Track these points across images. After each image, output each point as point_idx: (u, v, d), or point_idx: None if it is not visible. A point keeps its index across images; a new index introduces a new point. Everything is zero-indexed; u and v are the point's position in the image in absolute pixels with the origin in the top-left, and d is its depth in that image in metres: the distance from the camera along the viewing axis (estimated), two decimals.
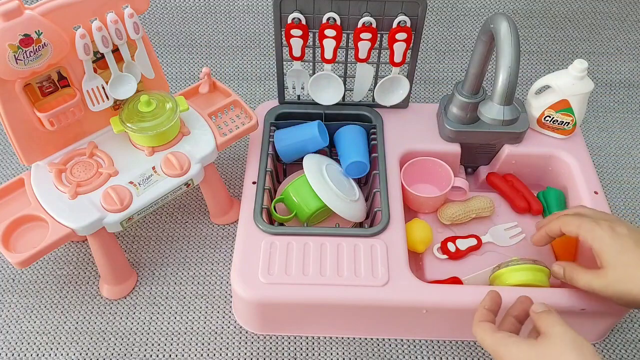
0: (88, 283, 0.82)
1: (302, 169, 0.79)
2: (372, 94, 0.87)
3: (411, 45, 0.80)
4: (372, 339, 0.76)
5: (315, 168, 0.79)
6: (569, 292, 0.68)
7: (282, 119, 0.88)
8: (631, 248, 0.60)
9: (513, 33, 0.65)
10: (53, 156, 0.75)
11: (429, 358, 0.75)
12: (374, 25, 0.76)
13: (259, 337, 0.76)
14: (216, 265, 0.84)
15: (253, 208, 0.76)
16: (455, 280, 0.76)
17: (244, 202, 0.77)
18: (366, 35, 0.77)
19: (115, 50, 0.72)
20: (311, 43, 0.80)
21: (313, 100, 0.86)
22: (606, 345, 0.77)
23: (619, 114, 1.10)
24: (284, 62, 0.84)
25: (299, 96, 0.89)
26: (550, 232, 0.69)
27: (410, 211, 0.86)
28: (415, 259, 0.82)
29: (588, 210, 0.69)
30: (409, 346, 0.76)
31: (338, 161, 0.85)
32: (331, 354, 0.75)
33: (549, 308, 0.59)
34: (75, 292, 0.81)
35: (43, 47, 0.64)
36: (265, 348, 0.75)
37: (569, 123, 0.83)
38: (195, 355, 0.75)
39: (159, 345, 0.76)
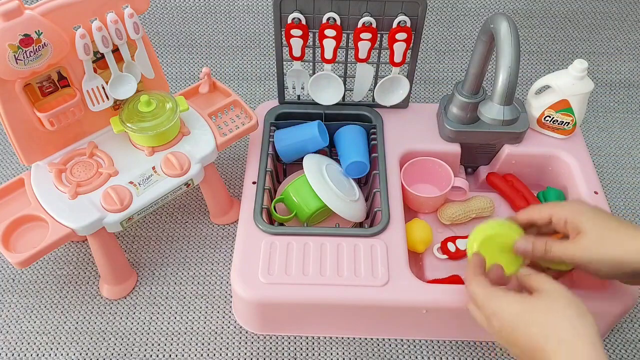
0: (88, 283, 0.82)
1: (302, 169, 0.79)
2: (372, 94, 0.87)
3: (411, 45, 0.80)
4: (372, 339, 0.76)
5: (315, 168, 0.79)
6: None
7: (282, 119, 0.88)
8: (605, 216, 0.61)
9: (513, 33, 0.65)
10: (53, 156, 0.75)
11: (429, 358, 0.75)
12: (374, 25, 0.76)
13: (259, 337, 0.76)
14: (216, 265, 0.84)
15: (253, 208, 0.76)
16: (455, 279, 0.76)
17: (244, 202, 0.77)
18: (366, 35, 0.77)
19: (115, 50, 0.72)
20: (311, 43, 0.80)
21: (313, 100, 0.86)
22: (606, 345, 0.77)
23: (619, 114, 1.10)
24: (284, 62, 0.84)
25: (299, 96, 0.88)
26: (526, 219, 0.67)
27: (410, 211, 0.86)
28: (415, 259, 0.82)
29: None
30: (409, 346, 0.76)
31: (338, 161, 0.85)
32: (331, 354, 0.75)
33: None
34: (75, 292, 0.81)
35: (43, 47, 0.64)
36: (265, 348, 0.75)
37: (569, 123, 0.83)
38: (195, 355, 0.75)
39: (159, 345, 0.76)
